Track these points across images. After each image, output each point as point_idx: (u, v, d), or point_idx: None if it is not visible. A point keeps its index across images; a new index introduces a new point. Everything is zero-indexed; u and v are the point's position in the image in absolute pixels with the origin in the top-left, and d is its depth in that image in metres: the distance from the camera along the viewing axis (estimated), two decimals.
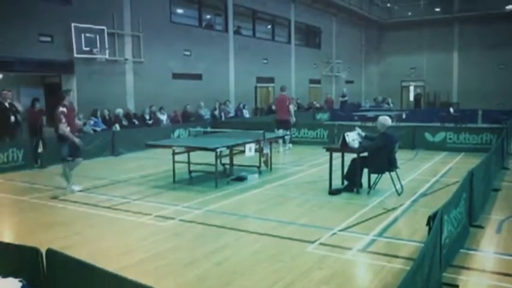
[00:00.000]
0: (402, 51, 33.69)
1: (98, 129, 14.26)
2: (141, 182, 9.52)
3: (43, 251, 3.29)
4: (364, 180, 8.24)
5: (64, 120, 8.26)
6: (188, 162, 9.64)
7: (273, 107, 17.87)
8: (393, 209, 7.03)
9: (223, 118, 18.90)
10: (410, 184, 8.69)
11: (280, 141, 13.14)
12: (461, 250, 5.12)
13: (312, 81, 28.42)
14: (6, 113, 11.53)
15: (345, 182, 8.37)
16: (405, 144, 12.23)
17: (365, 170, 8.14)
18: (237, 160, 10.25)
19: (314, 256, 5.10)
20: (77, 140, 8.47)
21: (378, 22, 33.98)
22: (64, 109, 8.33)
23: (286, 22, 25.97)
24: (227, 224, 6.39)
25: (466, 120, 20.34)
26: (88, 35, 14.31)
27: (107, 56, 15.06)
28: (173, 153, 9.29)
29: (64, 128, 8.26)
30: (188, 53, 18.80)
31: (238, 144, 9.38)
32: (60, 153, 8.53)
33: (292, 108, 14.03)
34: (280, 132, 12.96)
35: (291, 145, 14.14)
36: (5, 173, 10.55)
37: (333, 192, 8.09)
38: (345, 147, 8.16)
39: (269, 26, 25.15)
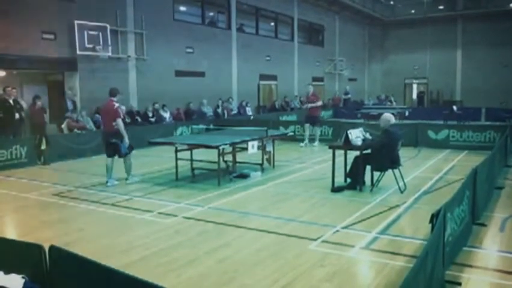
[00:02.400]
0: (405, 49, 33.58)
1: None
2: (144, 179, 9.52)
3: (46, 248, 3.29)
4: (367, 177, 8.22)
5: (122, 115, 8.80)
6: (191, 160, 9.64)
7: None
8: (396, 206, 7.02)
9: (225, 116, 18.90)
10: (413, 182, 8.67)
11: (317, 135, 14.44)
12: (464, 248, 5.11)
13: (315, 79, 28.34)
14: (10, 110, 11.56)
15: (348, 180, 8.36)
16: (408, 142, 12.21)
17: (368, 168, 8.13)
18: (240, 157, 10.24)
19: (316, 254, 5.09)
20: (127, 140, 8.81)
21: (381, 20, 33.87)
22: (119, 104, 8.89)
23: (289, 20, 25.92)
24: (229, 221, 6.40)
25: (469, 118, 20.29)
26: (90, 32, 14.29)
27: (110, 54, 15.06)
28: (176, 151, 9.29)
29: (122, 124, 8.72)
30: (191, 50, 18.79)
31: (240, 142, 9.38)
32: (120, 150, 8.79)
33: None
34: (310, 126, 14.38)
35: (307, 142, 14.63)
36: (9, 170, 10.58)
37: (335, 189, 8.09)
38: (348, 145, 8.15)
39: (272, 24, 25.09)
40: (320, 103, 14.65)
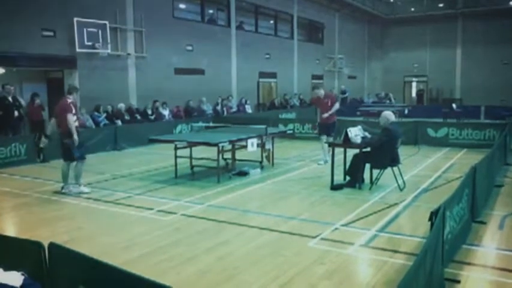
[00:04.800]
0: (405, 47, 33.55)
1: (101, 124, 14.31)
2: (143, 176, 9.53)
3: (46, 245, 3.29)
4: (366, 175, 8.23)
5: (73, 111, 7.98)
6: (191, 157, 9.64)
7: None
8: (395, 204, 7.02)
9: (225, 113, 18.89)
10: (412, 179, 8.68)
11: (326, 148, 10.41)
12: (463, 246, 5.12)
13: (314, 77, 28.33)
14: (9, 107, 11.55)
15: (347, 178, 8.37)
16: (407, 140, 12.19)
17: (367, 166, 8.13)
18: (239, 155, 10.24)
19: (316, 251, 5.10)
20: (76, 137, 7.87)
21: (381, 18, 33.83)
22: (73, 100, 8.11)
23: (289, 17, 25.88)
24: (229, 219, 6.40)
25: (468, 116, 20.27)
26: (90, 29, 14.27)
27: (109, 51, 15.03)
28: (176, 148, 9.29)
29: (72, 120, 7.86)
30: (190, 48, 18.76)
31: (240, 139, 9.38)
32: (72, 152, 7.92)
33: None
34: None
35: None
36: (8, 168, 10.57)
37: (335, 187, 8.08)
38: (347, 143, 8.15)
39: (272, 22, 25.06)
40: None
